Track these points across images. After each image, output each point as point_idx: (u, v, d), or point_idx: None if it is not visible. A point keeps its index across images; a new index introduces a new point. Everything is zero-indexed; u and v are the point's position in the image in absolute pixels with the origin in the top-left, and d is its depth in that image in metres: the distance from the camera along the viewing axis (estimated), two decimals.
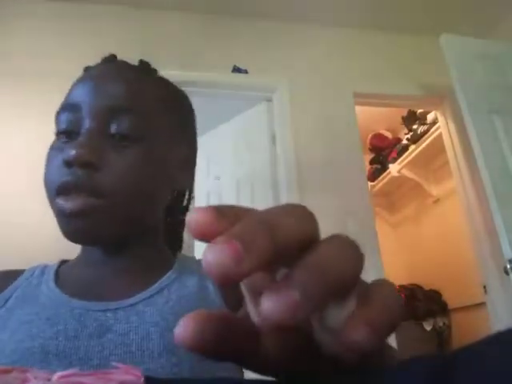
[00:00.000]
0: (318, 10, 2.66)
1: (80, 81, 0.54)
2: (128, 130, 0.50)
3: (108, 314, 0.46)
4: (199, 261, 0.58)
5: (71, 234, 0.48)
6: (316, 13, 2.68)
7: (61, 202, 0.47)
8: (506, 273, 1.95)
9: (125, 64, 0.57)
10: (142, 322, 0.45)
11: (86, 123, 0.49)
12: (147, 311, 0.46)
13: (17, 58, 2.26)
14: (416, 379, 0.17)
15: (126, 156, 0.49)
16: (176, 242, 0.65)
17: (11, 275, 0.54)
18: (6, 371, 0.20)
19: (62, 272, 0.55)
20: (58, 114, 0.52)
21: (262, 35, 2.67)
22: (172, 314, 0.46)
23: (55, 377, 0.19)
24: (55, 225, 0.49)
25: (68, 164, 0.47)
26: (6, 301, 0.49)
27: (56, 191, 0.47)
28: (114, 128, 0.49)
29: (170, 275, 0.53)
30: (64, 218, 0.47)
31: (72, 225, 0.47)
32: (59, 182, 0.47)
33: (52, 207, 0.49)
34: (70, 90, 0.53)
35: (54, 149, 0.51)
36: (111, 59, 0.58)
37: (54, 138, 0.53)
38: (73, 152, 0.46)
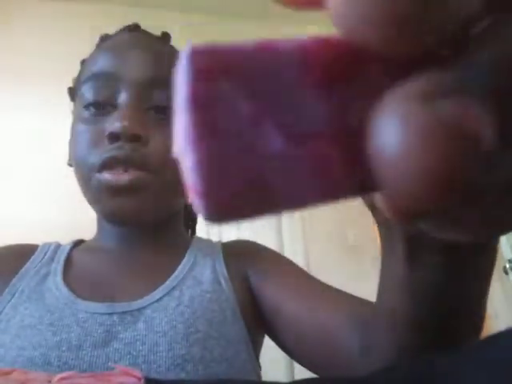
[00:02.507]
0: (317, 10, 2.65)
1: (109, 49, 0.50)
2: (167, 102, 0.47)
3: (114, 318, 0.43)
4: (214, 244, 0.56)
5: (116, 212, 0.46)
6: (316, 13, 2.67)
7: (107, 176, 0.44)
8: (506, 272, 1.95)
9: (152, 34, 0.54)
10: (149, 331, 0.41)
11: (126, 95, 0.46)
12: (156, 317, 0.43)
13: (17, 58, 2.26)
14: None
15: (165, 131, 0.46)
16: (191, 226, 0.64)
17: (24, 256, 0.50)
18: (7, 373, 0.20)
19: (74, 259, 0.51)
20: (84, 83, 0.48)
21: (261, 35, 2.66)
22: (182, 322, 0.43)
23: (55, 379, 0.19)
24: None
25: (114, 137, 0.44)
26: (13, 295, 0.46)
27: (100, 166, 0.44)
28: (154, 100, 0.47)
29: (183, 267, 0.49)
30: (110, 193, 0.45)
31: (118, 201, 0.45)
32: (106, 156, 0.44)
33: (90, 184, 0.46)
34: (96, 58, 0.49)
35: (83, 122, 0.47)
36: (135, 28, 0.54)
37: (77, 110, 0.49)
38: (120, 124, 0.43)
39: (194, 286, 0.47)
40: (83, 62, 0.54)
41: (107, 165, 0.44)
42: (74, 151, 0.48)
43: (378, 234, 0.23)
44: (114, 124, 0.44)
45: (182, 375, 0.39)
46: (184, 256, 0.51)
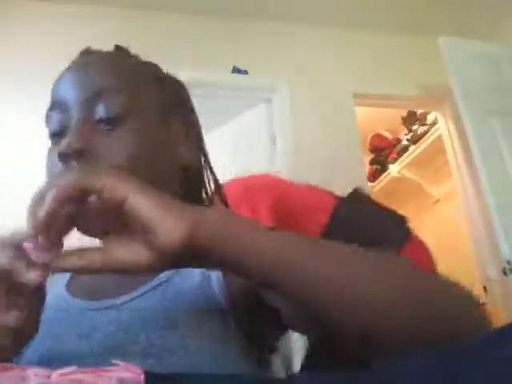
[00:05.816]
0: (317, 10, 2.66)
1: (59, 78, 0.53)
2: (113, 112, 0.48)
3: (100, 313, 0.46)
4: None
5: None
6: (316, 13, 2.68)
7: None
8: (505, 273, 1.95)
9: (100, 51, 0.57)
10: (131, 323, 0.44)
11: (74, 116, 0.48)
12: (138, 309, 0.46)
13: (17, 59, 2.26)
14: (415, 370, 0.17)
15: (118, 138, 0.47)
16: None
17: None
18: (6, 369, 0.20)
19: None
20: (47, 115, 0.52)
21: (261, 36, 2.67)
22: (162, 313, 0.45)
23: (55, 374, 0.20)
24: None
25: (62, 157, 0.45)
26: None
27: None
28: (99, 113, 0.48)
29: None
30: None
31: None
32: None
33: None
34: (52, 90, 0.53)
35: (49, 152, 0.50)
36: (87, 51, 0.58)
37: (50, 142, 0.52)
38: (65, 143, 0.44)
39: (180, 282, 0.48)
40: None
41: None
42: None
43: None
44: (60, 145, 0.45)
45: (157, 364, 0.39)
46: None
